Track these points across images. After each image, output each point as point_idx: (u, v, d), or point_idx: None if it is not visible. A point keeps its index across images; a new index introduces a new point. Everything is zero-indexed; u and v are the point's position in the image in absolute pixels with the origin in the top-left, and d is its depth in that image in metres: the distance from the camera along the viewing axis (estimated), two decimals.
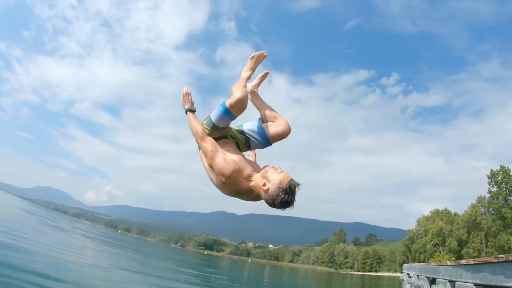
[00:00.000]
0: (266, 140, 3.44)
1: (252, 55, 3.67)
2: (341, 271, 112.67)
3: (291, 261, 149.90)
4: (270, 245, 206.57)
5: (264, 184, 2.93)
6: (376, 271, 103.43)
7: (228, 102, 3.20)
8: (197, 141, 3.20)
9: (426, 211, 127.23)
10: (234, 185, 3.03)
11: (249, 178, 3.07)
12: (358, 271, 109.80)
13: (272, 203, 2.91)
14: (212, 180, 3.21)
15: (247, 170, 3.10)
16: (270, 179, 2.96)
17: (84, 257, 13.51)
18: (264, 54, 3.71)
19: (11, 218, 11.68)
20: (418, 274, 13.01)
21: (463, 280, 6.17)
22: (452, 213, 79.48)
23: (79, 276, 8.15)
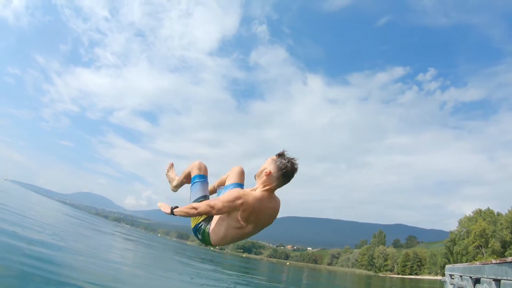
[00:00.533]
0: None
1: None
2: (380, 274, 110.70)
3: (329, 264, 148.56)
4: (308, 248, 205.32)
5: (265, 173, 3.25)
6: (416, 274, 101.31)
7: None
8: (212, 212, 3.18)
9: (468, 211, 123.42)
10: (251, 202, 3.18)
11: (253, 188, 3.33)
12: (398, 274, 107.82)
13: (284, 172, 3.23)
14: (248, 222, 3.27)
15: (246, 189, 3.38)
16: (264, 167, 3.31)
17: (126, 257, 14.10)
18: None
19: (55, 222, 12.39)
20: (461, 274, 12.59)
21: (509, 278, 6.03)
22: (495, 213, 76.86)
23: (122, 274, 8.64)
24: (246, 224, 3.23)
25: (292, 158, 3.32)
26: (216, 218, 3.34)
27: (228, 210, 3.16)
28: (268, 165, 3.31)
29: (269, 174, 3.26)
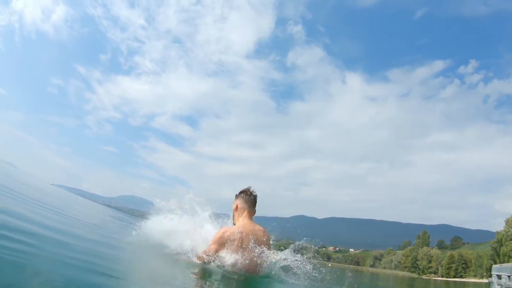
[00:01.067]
0: None
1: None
2: (424, 277, 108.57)
3: (372, 266, 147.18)
4: (351, 249, 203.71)
5: (234, 209, 4.89)
6: (461, 277, 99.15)
7: None
8: (209, 254, 4.42)
9: None
10: (235, 229, 4.49)
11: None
12: (442, 276, 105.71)
13: (247, 199, 4.81)
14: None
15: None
16: (233, 206, 5.00)
17: None
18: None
19: (102, 223, 13.51)
20: (509, 274, 12.55)
21: None
22: None
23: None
24: (242, 251, 4.36)
25: (249, 188, 4.87)
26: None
27: (219, 246, 4.34)
28: (234, 202, 4.85)
29: (236, 208, 4.76)
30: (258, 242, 4.62)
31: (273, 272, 6.94)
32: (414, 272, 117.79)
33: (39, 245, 4.19)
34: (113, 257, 5.55)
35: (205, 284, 4.13)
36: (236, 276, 4.65)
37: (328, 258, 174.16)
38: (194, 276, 4.54)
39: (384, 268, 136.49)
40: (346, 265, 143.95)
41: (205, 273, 4.64)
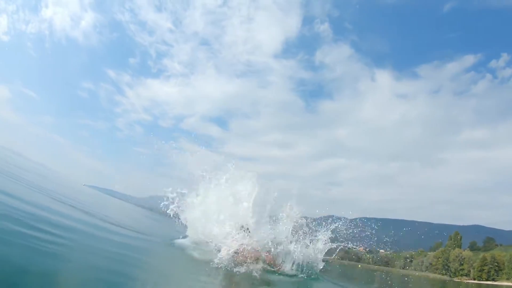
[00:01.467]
0: None
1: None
2: (455, 279, 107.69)
3: (402, 267, 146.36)
4: (381, 250, 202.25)
5: None
6: (494, 280, 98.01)
7: None
8: None
9: None
10: None
11: None
12: (474, 279, 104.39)
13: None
14: None
15: None
16: None
17: None
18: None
19: (134, 223, 14.28)
20: None
21: None
22: None
23: None
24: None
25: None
26: None
27: None
28: None
29: None
30: None
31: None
32: (445, 274, 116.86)
33: (76, 239, 5.63)
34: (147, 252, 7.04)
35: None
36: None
37: (358, 258, 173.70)
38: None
39: (415, 269, 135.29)
40: (376, 266, 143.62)
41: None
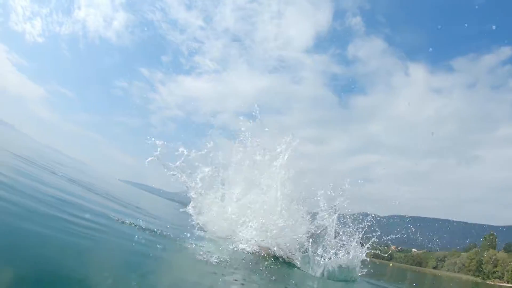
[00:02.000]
0: None
1: None
2: (488, 282, 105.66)
3: (434, 268, 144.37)
4: (413, 249, 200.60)
5: None
6: None
7: None
8: None
9: None
10: None
11: None
12: (508, 282, 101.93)
13: None
14: None
15: None
16: None
17: None
18: None
19: (169, 217, 14.32)
20: None
21: None
22: None
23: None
24: None
25: None
26: None
27: None
28: None
29: None
30: None
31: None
32: (478, 276, 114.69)
33: (108, 224, 6.33)
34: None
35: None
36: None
37: (390, 257, 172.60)
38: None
39: (447, 270, 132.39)
40: (407, 266, 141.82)
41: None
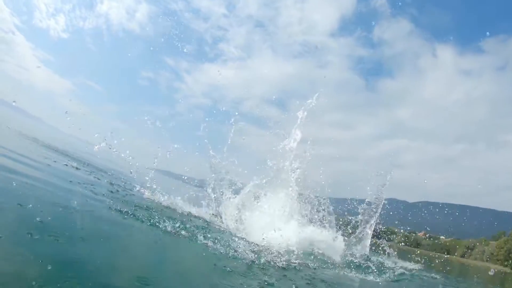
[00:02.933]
0: None
1: None
2: None
3: (462, 256, 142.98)
4: (442, 237, 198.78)
5: None
6: None
7: None
8: None
9: None
10: None
11: None
12: None
13: None
14: None
15: None
16: None
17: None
18: None
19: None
20: None
21: None
22: None
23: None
24: None
25: None
26: None
27: None
28: None
29: None
30: None
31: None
32: (506, 266, 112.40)
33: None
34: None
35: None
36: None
37: (417, 244, 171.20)
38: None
39: (475, 259, 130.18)
40: (435, 253, 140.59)
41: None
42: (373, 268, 8.94)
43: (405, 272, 9.67)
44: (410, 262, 14.28)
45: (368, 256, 10.49)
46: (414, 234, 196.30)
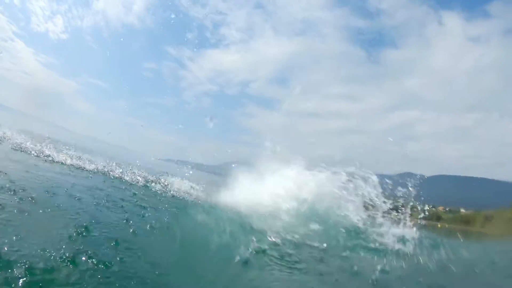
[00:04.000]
0: None
1: None
2: None
3: (482, 227, 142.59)
4: (461, 209, 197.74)
5: None
6: None
7: None
8: None
9: None
10: None
11: None
12: None
13: None
14: None
15: None
16: None
17: None
18: None
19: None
20: None
21: None
22: None
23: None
24: None
25: None
26: None
27: None
28: None
29: None
30: None
31: None
32: None
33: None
34: None
35: None
36: None
37: (438, 218, 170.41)
38: None
39: (495, 230, 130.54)
40: (455, 226, 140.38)
41: None
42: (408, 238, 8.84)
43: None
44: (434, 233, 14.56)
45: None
46: (434, 208, 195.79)
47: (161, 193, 9.41)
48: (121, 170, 12.26)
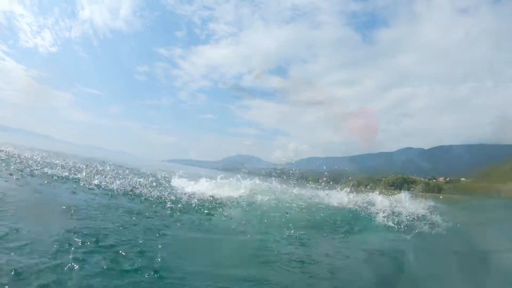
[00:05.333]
0: None
1: None
2: None
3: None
4: (462, 179, 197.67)
5: None
6: None
7: None
8: None
9: None
10: None
11: None
12: None
13: None
14: None
15: None
16: None
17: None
18: None
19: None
20: None
21: None
22: None
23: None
24: None
25: None
26: None
27: None
28: None
29: None
30: None
31: None
32: None
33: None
34: None
35: None
36: None
37: (439, 189, 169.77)
38: None
39: (500, 197, 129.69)
40: (457, 196, 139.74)
41: None
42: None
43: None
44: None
45: None
46: (434, 180, 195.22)
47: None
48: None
